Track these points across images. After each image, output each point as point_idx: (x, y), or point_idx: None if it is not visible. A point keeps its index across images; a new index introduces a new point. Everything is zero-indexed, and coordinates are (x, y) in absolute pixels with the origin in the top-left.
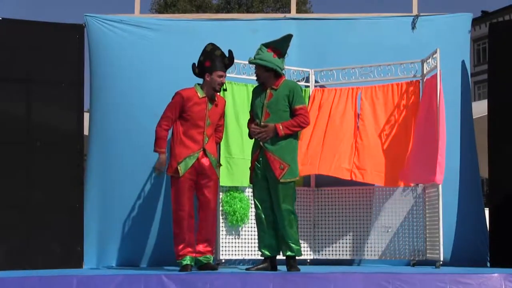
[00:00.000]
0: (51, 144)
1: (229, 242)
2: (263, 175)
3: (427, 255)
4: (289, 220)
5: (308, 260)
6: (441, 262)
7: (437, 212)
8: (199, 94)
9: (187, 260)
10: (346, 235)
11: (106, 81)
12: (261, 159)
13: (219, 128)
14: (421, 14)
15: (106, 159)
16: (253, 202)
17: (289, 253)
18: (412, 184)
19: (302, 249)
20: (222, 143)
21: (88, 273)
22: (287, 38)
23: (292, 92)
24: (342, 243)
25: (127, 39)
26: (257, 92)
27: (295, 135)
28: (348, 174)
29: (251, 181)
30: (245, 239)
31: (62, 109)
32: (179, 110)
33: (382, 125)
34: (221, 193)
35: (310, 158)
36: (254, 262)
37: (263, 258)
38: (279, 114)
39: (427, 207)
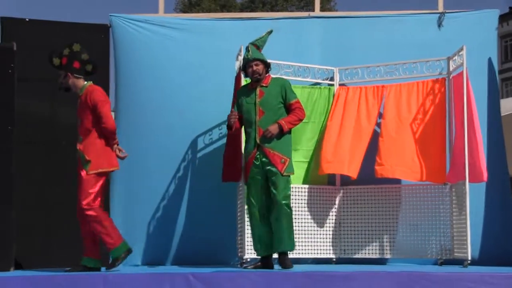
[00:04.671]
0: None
1: None
2: (260, 172)
3: (455, 254)
4: (287, 214)
5: (334, 259)
6: (469, 261)
7: (464, 211)
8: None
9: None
10: (372, 234)
11: (131, 80)
12: (258, 156)
13: (98, 119)
14: (446, 11)
15: (131, 159)
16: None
17: (283, 249)
18: (441, 182)
19: (328, 248)
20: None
21: (114, 272)
22: (269, 34)
23: (283, 88)
24: (368, 242)
25: (151, 38)
26: (244, 92)
27: (289, 131)
28: (374, 172)
29: (246, 180)
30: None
31: None
32: None
33: (407, 122)
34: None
35: (338, 157)
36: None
37: (261, 256)
38: (274, 111)
39: (454, 205)
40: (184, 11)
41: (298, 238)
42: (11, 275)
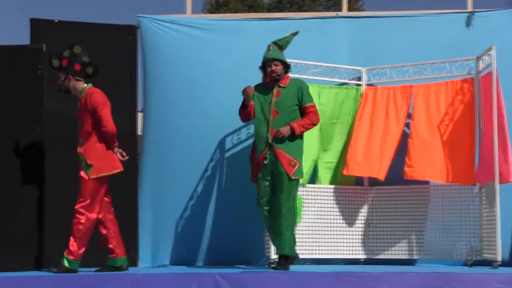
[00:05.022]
0: None
1: None
2: (269, 172)
3: (484, 255)
4: (291, 217)
5: (362, 260)
6: (498, 263)
7: (494, 211)
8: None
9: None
10: (400, 234)
11: (159, 81)
12: (268, 156)
13: (98, 123)
14: (476, 10)
15: (160, 159)
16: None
17: (283, 252)
18: (470, 183)
19: (356, 248)
20: None
21: (143, 272)
22: (294, 35)
23: (301, 90)
24: (396, 242)
25: (179, 39)
26: (261, 90)
27: (301, 135)
28: (403, 173)
29: (254, 179)
30: (298, 238)
31: (116, 109)
32: None
33: (435, 123)
34: None
35: (368, 158)
36: (307, 261)
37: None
38: (288, 112)
39: (484, 206)
40: (211, 11)
41: (326, 238)
42: (40, 274)
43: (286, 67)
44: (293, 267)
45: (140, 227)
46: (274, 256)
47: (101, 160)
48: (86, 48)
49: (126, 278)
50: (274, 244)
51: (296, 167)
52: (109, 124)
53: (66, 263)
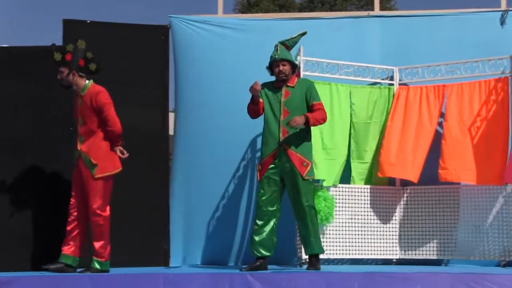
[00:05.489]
0: (137, 144)
1: None
2: (278, 172)
3: None
4: (311, 215)
5: (394, 260)
6: None
7: None
8: (74, 93)
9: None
10: (432, 235)
11: (190, 81)
12: (278, 156)
13: (104, 122)
14: (510, 9)
15: (191, 159)
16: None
17: (313, 251)
18: (503, 184)
19: (388, 248)
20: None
21: (174, 272)
22: (301, 35)
23: (309, 89)
24: (429, 242)
25: (210, 39)
26: (269, 90)
27: (310, 135)
28: (437, 176)
29: (260, 178)
30: (330, 238)
31: (148, 109)
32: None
33: (469, 123)
34: None
35: (401, 160)
36: (338, 261)
37: (259, 256)
38: (298, 112)
39: None
40: (243, 11)
41: (358, 238)
42: (74, 274)
43: (294, 67)
44: (325, 268)
45: (171, 227)
46: (305, 256)
47: (105, 160)
48: (119, 48)
49: (158, 278)
50: (253, 243)
51: (309, 168)
52: (116, 123)
53: (97, 266)
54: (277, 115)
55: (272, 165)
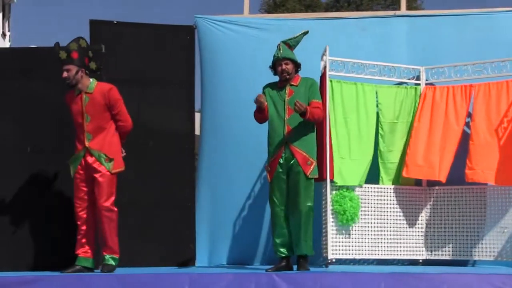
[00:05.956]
0: (163, 144)
1: (339, 242)
2: (285, 171)
3: None
4: (308, 217)
5: (421, 260)
6: None
7: None
8: (75, 92)
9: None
10: (459, 235)
11: (216, 81)
12: (284, 155)
13: (116, 118)
14: None
15: (217, 159)
16: (270, 199)
17: (302, 252)
18: None
19: (415, 249)
20: (333, 144)
21: (200, 271)
22: (304, 34)
23: (311, 88)
24: (455, 243)
25: (236, 39)
26: (273, 90)
27: (314, 133)
28: (464, 176)
29: (270, 179)
30: (355, 238)
31: (174, 109)
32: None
33: (496, 123)
34: (333, 192)
35: (429, 161)
36: (364, 262)
37: (282, 257)
38: None
39: None
40: (268, 11)
41: (385, 239)
42: (99, 274)
43: (297, 66)
44: (351, 268)
45: (197, 226)
46: (331, 256)
47: (118, 156)
48: (145, 48)
49: (184, 277)
50: (275, 245)
51: (313, 166)
52: (128, 119)
53: (112, 262)
54: (281, 114)
55: (280, 164)
